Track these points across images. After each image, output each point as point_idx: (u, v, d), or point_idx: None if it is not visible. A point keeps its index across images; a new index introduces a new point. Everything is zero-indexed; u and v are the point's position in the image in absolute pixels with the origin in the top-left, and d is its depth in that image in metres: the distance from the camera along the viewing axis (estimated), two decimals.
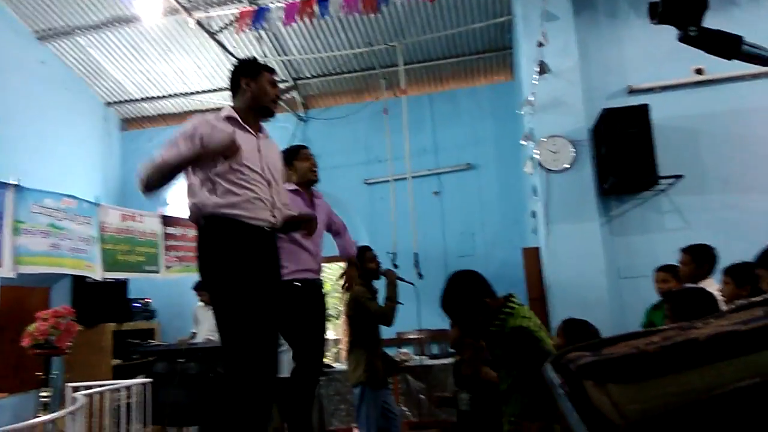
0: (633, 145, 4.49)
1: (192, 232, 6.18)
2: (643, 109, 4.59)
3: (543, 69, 4.66)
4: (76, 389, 4.26)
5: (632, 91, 5.02)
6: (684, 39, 0.98)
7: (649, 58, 4.99)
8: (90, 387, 4.33)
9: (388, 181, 6.81)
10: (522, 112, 4.84)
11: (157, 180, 2.19)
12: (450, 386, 3.99)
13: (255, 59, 2.58)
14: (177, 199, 7.58)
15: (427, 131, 7.25)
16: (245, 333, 2.13)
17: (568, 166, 4.72)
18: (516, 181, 6.65)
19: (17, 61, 6.46)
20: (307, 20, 5.78)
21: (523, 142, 5.21)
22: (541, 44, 4.68)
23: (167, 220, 6.24)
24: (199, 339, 5.95)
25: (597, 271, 4.46)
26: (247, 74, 2.45)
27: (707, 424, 0.59)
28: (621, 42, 5.15)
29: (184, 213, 6.57)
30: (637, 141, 4.50)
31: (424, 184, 7.02)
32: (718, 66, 4.05)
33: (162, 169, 2.17)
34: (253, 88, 2.43)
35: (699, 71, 4.93)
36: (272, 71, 2.52)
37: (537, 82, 4.76)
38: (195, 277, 5.97)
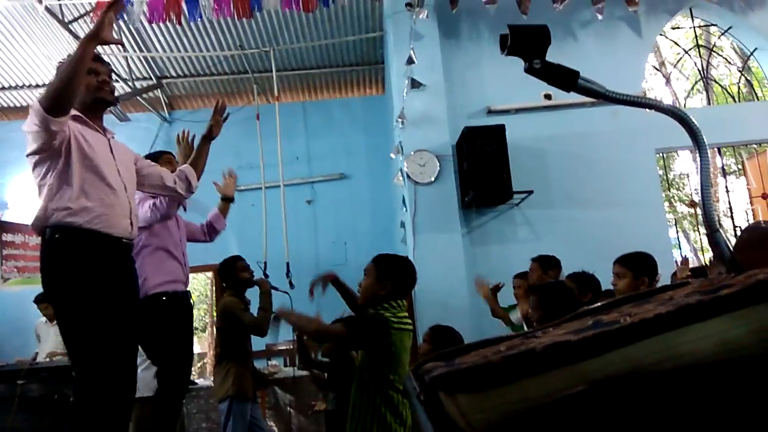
0: (491, 162, 4.83)
1: (34, 240, 5.58)
2: (500, 129, 4.97)
3: (412, 85, 4.87)
4: None
5: (491, 112, 5.42)
6: (529, 70, 1.09)
7: (506, 81, 5.42)
8: None
9: (259, 189, 6.67)
10: (400, 125, 5.01)
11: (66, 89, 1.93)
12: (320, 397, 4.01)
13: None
14: (17, 202, 6.81)
15: (301, 139, 7.24)
16: (98, 351, 1.98)
17: (434, 179, 4.97)
18: (387, 192, 6.85)
19: None
20: (173, 17, 5.50)
21: (393, 155, 5.39)
22: (410, 61, 4.89)
23: (5, 226, 5.58)
24: (40, 358, 5.38)
25: (459, 279, 4.73)
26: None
27: (543, 430, 0.65)
28: (482, 65, 5.54)
29: (25, 218, 5.92)
30: (494, 158, 4.85)
31: (296, 192, 6.99)
32: (564, 93, 4.51)
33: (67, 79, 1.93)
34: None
35: (548, 96, 5.46)
36: (97, 59, 2.23)
37: (406, 98, 4.96)
38: (37, 289, 5.42)
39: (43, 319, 5.53)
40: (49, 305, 5.28)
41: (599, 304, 0.87)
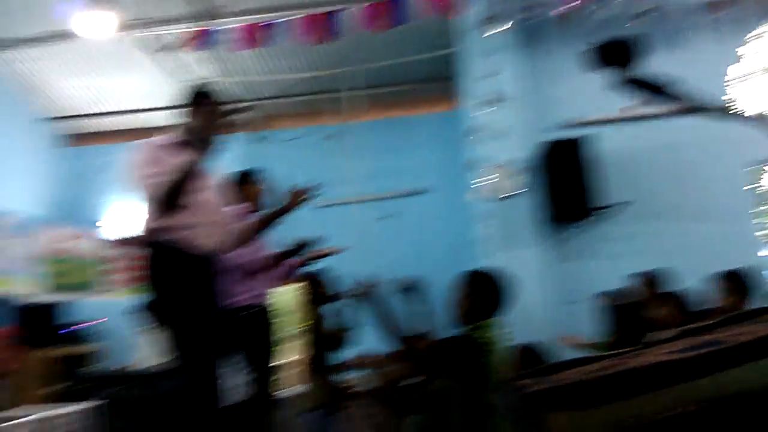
0: (572, 176, 4.73)
1: (135, 254, 6.01)
2: (582, 141, 4.86)
3: (488, 99, 4.87)
4: (8, 419, 4.05)
5: (571, 124, 5.30)
6: (618, 82, 1.11)
7: (591, 92, 5.28)
8: (33, 412, 4.13)
9: (341, 205, 6.85)
10: (476, 140, 5.02)
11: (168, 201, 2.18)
12: None
13: (206, 86, 2.55)
14: (118, 219, 7.35)
15: (374, 156, 7.35)
16: (195, 359, 2.13)
17: (511, 194, 4.91)
18: (463, 208, 6.82)
19: None
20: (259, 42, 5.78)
21: (469, 170, 5.39)
22: (486, 75, 4.90)
23: (109, 241, 6.05)
24: (142, 364, 5.77)
25: (542, 297, 4.63)
26: (191, 103, 2.46)
27: None
28: (563, 76, 5.43)
29: (127, 234, 6.38)
30: (578, 171, 4.75)
31: (371, 208, 7.10)
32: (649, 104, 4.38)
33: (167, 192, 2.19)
34: (195, 118, 2.43)
35: (630, 108, 5.28)
36: (215, 101, 2.48)
37: (483, 112, 4.96)
38: (137, 299, 5.81)
39: (144, 327, 5.91)
40: (151, 314, 5.66)
41: (701, 324, 0.86)
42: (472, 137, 5.13)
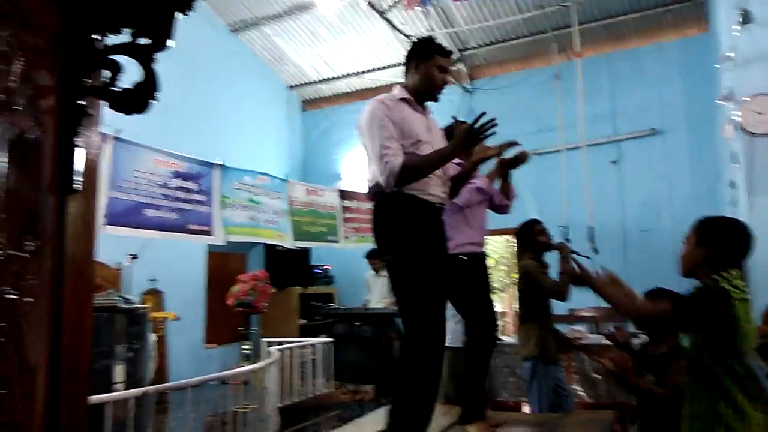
0: None
1: (366, 206, 6.54)
2: None
3: (746, 18, 4.05)
4: (270, 344, 4.82)
5: None
6: None
7: None
8: (282, 343, 4.86)
9: (559, 151, 6.50)
10: (720, 67, 4.26)
11: (414, 177, 2.31)
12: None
13: (431, 40, 2.53)
14: (353, 174, 8.06)
15: (605, 96, 6.75)
16: (421, 301, 2.23)
17: None
18: (709, 148, 5.93)
19: (217, 54, 7.31)
20: None
21: (720, 103, 4.61)
22: None
23: (345, 195, 6.67)
24: (370, 305, 6.33)
25: None
26: (419, 56, 2.47)
27: None
28: None
29: (358, 187, 6.98)
30: None
31: (600, 152, 6.58)
32: None
33: (424, 169, 2.31)
34: (422, 72, 2.45)
35: None
36: (447, 54, 2.48)
37: (738, 34, 4.15)
38: (369, 246, 6.36)
39: (372, 272, 6.47)
40: (376, 260, 6.18)
41: None
42: (725, 64, 4.35)
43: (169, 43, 0.98)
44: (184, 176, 4.67)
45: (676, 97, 6.41)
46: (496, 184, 3.14)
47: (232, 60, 7.55)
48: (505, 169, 3.03)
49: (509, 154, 2.90)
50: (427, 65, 2.45)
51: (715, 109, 5.12)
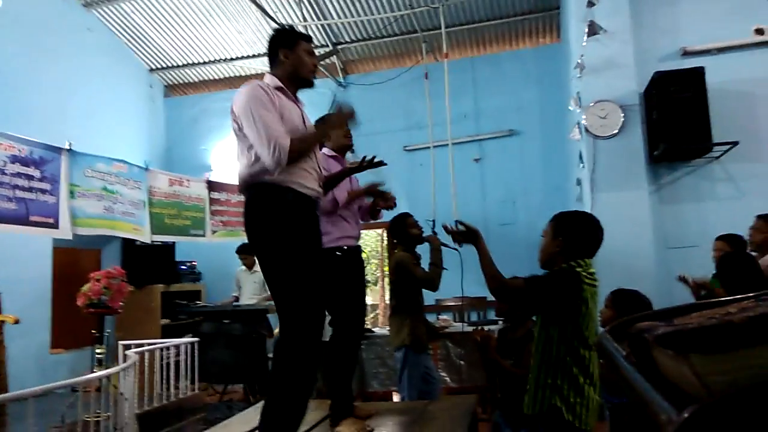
0: (686, 110, 4.29)
1: (236, 198, 6.29)
2: (698, 72, 4.37)
3: (593, 30, 4.48)
4: (127, 347, 4.45)
5: (686, 53, 4.77)
6: None
7: (705, 18, 4.73)
8: (141, 345, 4.52)
9: (428, 148, 6.74)
10: (578, 75, 4.66)
11: (300, 156, 2.26)
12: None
13: (292, 28, 2.54)
14: (221, 164, 7.71)
15: (469, 96, 7.12)
16: (299, 296, 2.17)
17: (617, 131, 4.56)
18: (560, 148, 6.49)
19: (66, 29, 6.59)
20: None
21: (571, 107, 5.06)
22: (591, 4, 4.48)
23: (212, 185, 6.36)
24: (241, 301, 6.12)
25: (644, 241, 4.34)
26: (284, 44, 2.42)
27: None
28: (675, 1, 4.89)
29: (228, 179, 6.69)
30: (690, 106, 4.30)
31: (464, 150, 6.94)
32: None
33: (307, 147, 2.28)
34: (291, 59, 2.41)
35: (760, 31, 4.66)
36: (309, 39, 2.48)
37: (586, 44, 4.58)
38: (238, 241, 6.13)
39: (243, 267, 6.25)
40: (249, 255, 5.97)
41: None
42: (574, 72, 4.77)
43: None
44: (24, 161, 4.15)
45: (532, 101, 6.94)
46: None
47: (84, 37, 6.85)
48: (373, 207, 3.09)
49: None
50: (295, 52, 2.42)
51: (566, 113, 5.60)
